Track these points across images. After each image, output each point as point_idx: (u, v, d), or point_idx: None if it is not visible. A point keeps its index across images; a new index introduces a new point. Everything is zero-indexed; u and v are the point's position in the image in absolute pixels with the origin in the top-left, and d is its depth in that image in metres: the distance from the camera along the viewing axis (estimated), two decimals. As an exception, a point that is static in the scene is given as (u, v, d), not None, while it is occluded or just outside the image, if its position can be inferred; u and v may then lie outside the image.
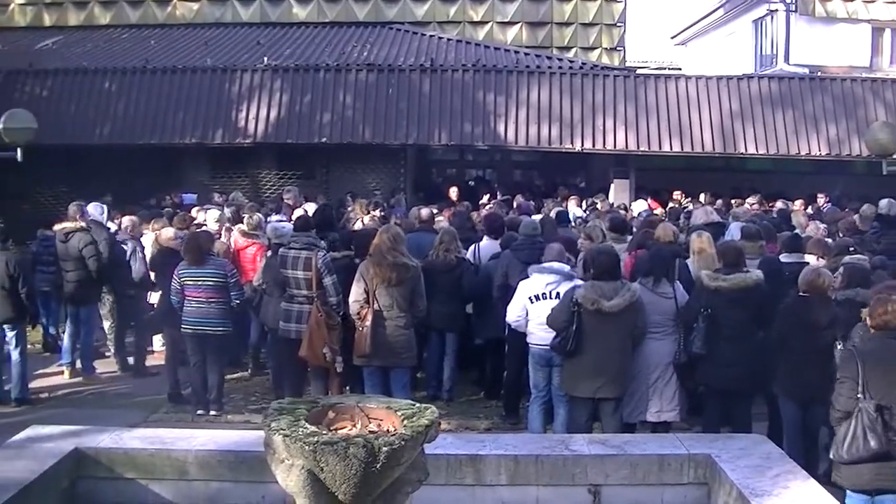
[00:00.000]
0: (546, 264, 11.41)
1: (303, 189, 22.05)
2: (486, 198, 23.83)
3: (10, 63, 27.77)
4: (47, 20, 34.63)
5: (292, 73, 26.74)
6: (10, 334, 13.92)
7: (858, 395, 7.52)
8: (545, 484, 7.87)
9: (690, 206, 21.16)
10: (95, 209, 16.35)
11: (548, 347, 11.04)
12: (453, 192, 23.55)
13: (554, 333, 10.75)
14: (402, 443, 5.39)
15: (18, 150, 18.38)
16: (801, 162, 26.39)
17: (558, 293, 11.00)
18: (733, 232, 14.56)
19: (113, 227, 16.88)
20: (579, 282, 10.99)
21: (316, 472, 5.39)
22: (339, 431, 5.61)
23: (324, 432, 5.53)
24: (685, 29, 48.61)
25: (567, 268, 11.29)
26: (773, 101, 26.16)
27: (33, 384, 14.59)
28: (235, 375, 14.91)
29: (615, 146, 25.78)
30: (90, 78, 26.97)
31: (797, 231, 15.56)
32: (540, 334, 11.19)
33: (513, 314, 11.46)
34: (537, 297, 11.19)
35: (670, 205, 23.18)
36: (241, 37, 31.87)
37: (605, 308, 10.22)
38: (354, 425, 5.74)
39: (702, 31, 46.33)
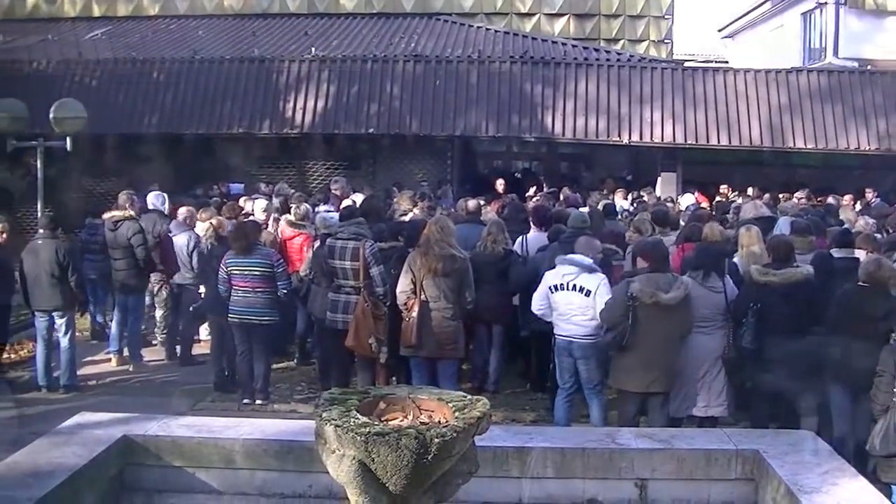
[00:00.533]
0: (569, 256, 11.39)
1: (349, 180, 22.03)
2: (532, 190, 23.77)
3: (59, 53, 27.96)
4: (96, 10, 34.83)
5: (339, 64, 26.77)
6: (59, 321, 14.03)
7: (894, 389, 7.47)
8: (592, 477, 7.85)
9: (738, 201, 21.03)
10: (156, 199, 16.49)
11: (569, 338, 11.07)
12: (500, 184, 23.48)
13: (588, 325, 10.83)
14: (454, 434, 5.37)
15: (68, 140, 18.47)
16: (850, 156, 26.11)
17: (575, 285, 11.00)
18: (782, 226, 14.44)
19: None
20: (600, 275, 10.99)
21: (367, 463, 5.39)
22: (391, 422, 5.61)
23: (375, 423, 5.53)
24: (733, 21, 48.22)
25: (589, 260, 11.21)
26: (821, 95, 25.95)
27: (81, 371, 14.70)
28: (281, 365, 14.96)
29: (662, 139, 25.65)
30: (139, 68, 27.11)
31: (846, 226, 15.43)
32: (560, 325, 11.21)
33: (535, 303, 11.49)
34: (556, 288, 11.19)
35: (717, 199, 23.07)
36: (289, 27, 31.97)
37: (664, 301, 10.17)
38: (406, 416, 5.74)
39: (749, 23, 45.93)
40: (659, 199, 22.10)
